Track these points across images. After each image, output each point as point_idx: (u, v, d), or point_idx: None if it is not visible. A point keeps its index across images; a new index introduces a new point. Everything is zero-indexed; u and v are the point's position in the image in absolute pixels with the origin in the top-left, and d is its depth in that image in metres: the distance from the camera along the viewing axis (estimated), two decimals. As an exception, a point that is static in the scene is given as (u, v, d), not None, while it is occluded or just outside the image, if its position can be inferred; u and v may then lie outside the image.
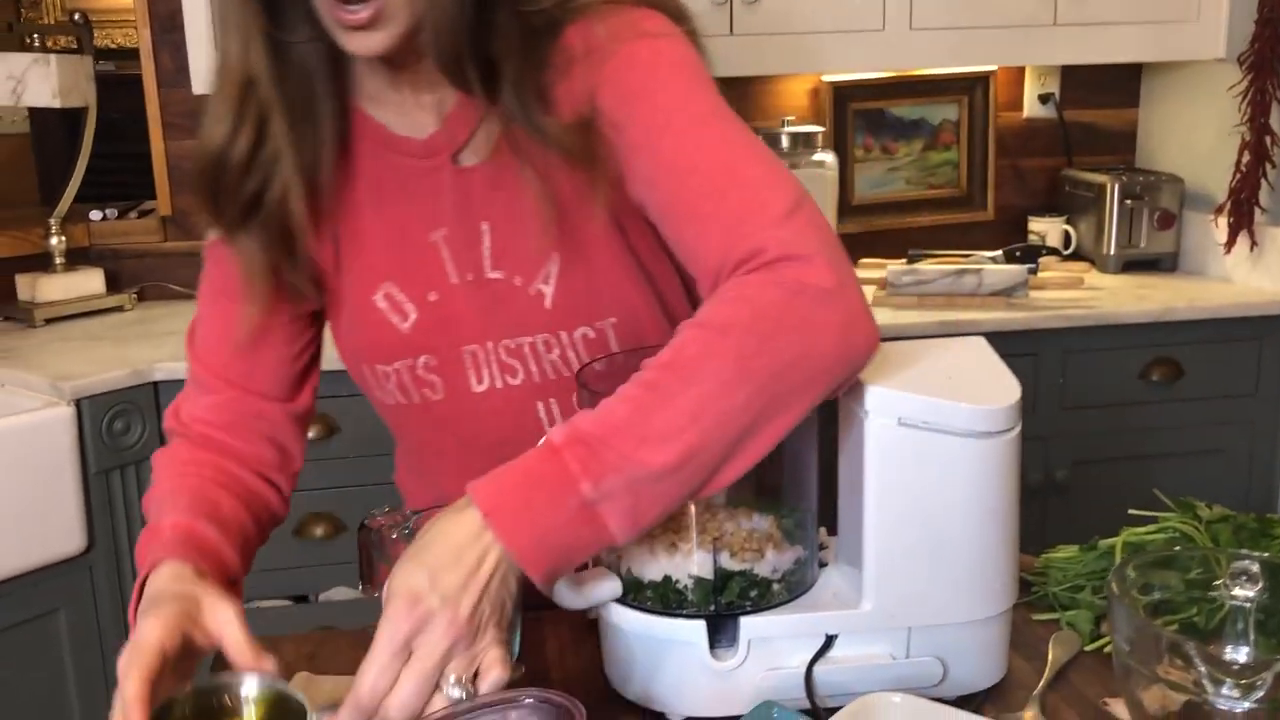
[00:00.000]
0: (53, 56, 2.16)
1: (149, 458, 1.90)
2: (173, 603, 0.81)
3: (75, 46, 2.34)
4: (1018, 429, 0.86)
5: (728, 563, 0.85)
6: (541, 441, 0.79)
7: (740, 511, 0.88)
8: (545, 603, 0.97)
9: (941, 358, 0.90)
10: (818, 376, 0.80)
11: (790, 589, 0.87)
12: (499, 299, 1.00)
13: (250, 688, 0.77)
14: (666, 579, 0.85)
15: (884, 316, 2.17)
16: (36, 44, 2.24)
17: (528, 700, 0.71)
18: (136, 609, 0.85)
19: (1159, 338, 2.25)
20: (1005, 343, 2.20)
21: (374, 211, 1.01)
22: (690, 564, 0.85)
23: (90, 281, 2.34)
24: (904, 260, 2.41)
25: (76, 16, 2.28)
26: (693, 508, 0.86)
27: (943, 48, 2.34)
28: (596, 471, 0.76)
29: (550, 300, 1.00)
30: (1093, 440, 2.25)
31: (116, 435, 1.91)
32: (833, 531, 0.93)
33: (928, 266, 2.31)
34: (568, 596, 0.85)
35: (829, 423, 0.89)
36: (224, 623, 0.81)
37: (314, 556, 2.06)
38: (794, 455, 0.87)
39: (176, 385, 1.94)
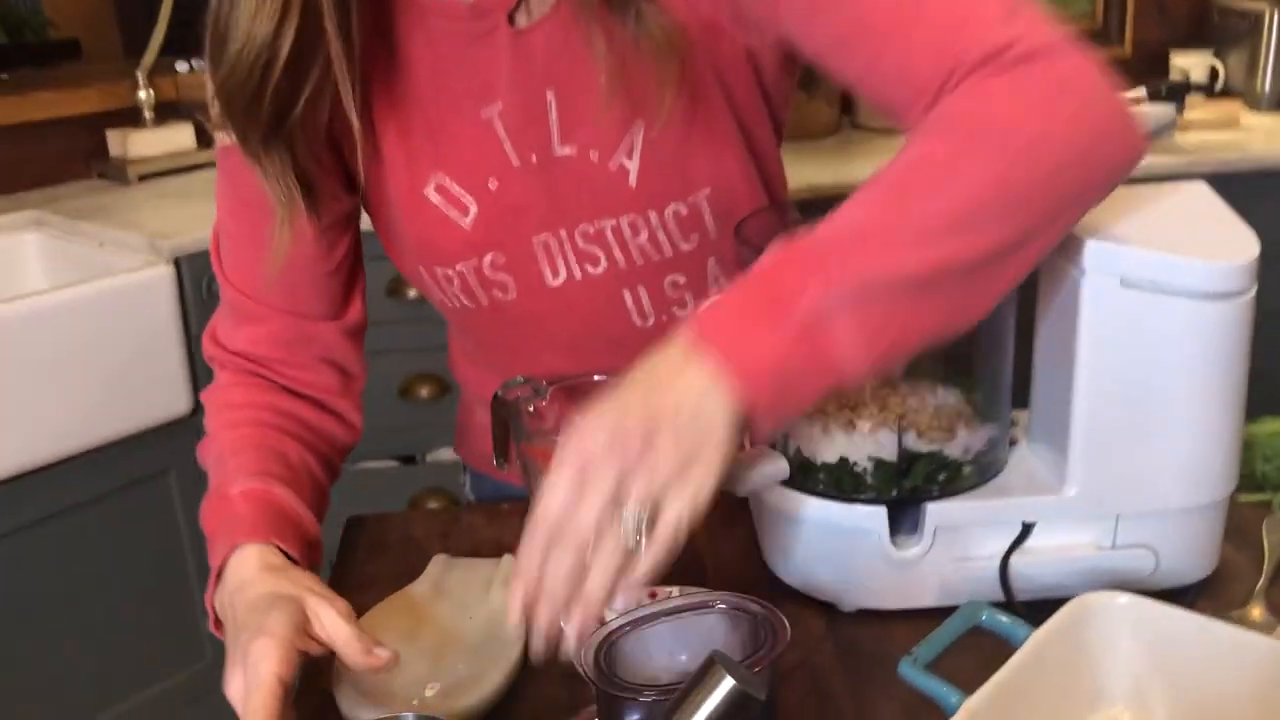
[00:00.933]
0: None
1: None
2: (277, 616, 0.70)
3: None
4: (1253, 292, 0.73)
5: (914, 443, 0.75)
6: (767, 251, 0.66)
7: (923, 385, 0.77)
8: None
9: (1162, 206, 0.78)
10: (1090, 186, 0.67)
11: (981, 471, 0.78)
12: (572, 179, 0.87)
13: None
14: (843, 461, 0.76)
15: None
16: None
17: (719, 605, 0.62)
18: (214, 597, 0.78)
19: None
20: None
21: (415, 92, 0.87)
22: (871, 444, 0.75)
23: (180, 136, 2.26)
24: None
25: None
26: (870, 381, 0.76)
27: None
28: (823, 279, 0.63)
29: (635, 176, 0.86)
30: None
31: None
32: (1018, 405, 0.83)
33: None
34: (726, 479, 0.76)
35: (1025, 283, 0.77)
36: (334, 626, 0.71)
37: (419, 417, 2.01)
38: (989, 317, 0.75)
39: (275, 243, 1.90)
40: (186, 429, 1.86)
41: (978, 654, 0.65)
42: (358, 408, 0.97)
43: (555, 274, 0.90)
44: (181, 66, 2.34)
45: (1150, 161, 2.07)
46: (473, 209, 0.88)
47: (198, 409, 1.85)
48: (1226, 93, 2.36)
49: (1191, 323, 0.72)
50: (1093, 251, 0.71)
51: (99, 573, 1.82)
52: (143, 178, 2.19)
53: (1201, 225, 0.76)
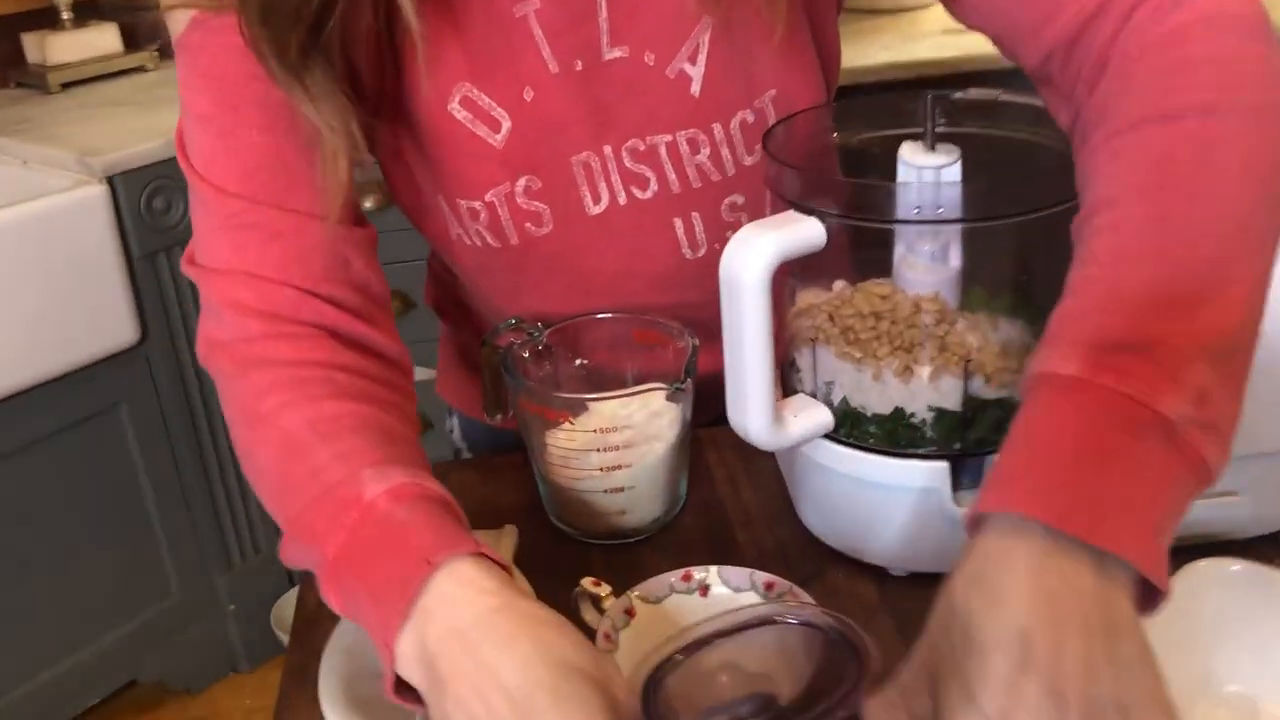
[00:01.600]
0: None
1: None
2: (592, 708, 0.49)
3: None
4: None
5: (980, 389, 0.65)
6: (1030, 379, 0.51)
7: (981, 318, 0.67)
8: (705, 421, 0.80)
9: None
10: None
11: (1051, 416, 0.68)
12: (621, 87, 0.75)
13: None
14: (898, 412, 0.66)
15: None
16: None
17: (787, 619, 0.52)
18: (404, 646, 0.53)
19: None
20: None
21: None
22: (931, 393, 0.66)
23: (104, 38, 2.08)
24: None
25: None
26: (925, 318, 0.66)
27: None
28: (1162, 376, 0.47)
29: (699, 84, 0.75)
30: None
31: (157, 214, 1.72)
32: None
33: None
34: (764, 433, 0.67)
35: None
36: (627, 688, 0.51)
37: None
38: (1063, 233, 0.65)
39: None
40: (135, 359, 1.74)
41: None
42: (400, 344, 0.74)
43: (597, 200, 0.78)
44: (100, -40, 2.15)
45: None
46: (505, 124, 0.75)
47: (146, 338, 1.73)
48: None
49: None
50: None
51: (53, 515, 1.72)
52: (65, 85, 2.02)
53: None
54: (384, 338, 0.70)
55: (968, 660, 0.45)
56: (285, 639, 1.94)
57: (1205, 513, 0.68)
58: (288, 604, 1.99)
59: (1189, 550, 0.62)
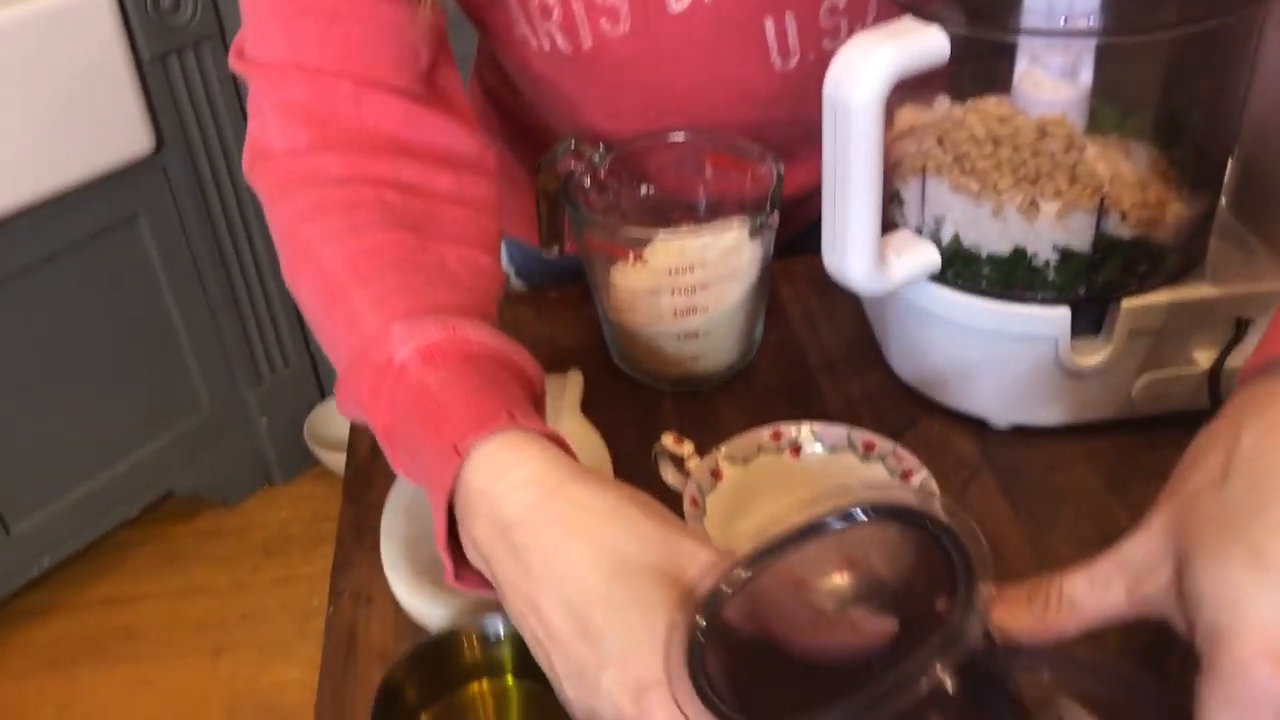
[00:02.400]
0: None
1: (205, 39, 1.65)
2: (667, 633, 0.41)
3: None
4: None
5: (1116, 227, 0.58)
6: None
7: (1114, 141, 0.59)
8: (780, 251, 0.72)
9: None
10: None
11: (1187, 257, 0.61)
12: None
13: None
14: (1018, 252, 0.59)
15: None
16: None
17: (865, 514, 0.40)
18: (454, 556, 0.48)
19: None
20: None
21: None
22: (1059, 231, 0.58)
23: None
24: None
25: None
26: (1051, 144, 0.57)
27: None
28: None
29: None
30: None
31: (165, 13, 1.60)
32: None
33: None
34: (865, 277, 0.59)
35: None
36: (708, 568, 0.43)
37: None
38: (1217, 42, 0.56)
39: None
40: (152, 169, 1.66)
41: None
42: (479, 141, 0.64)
43: None
44: None
45: None
46: None
47: (162, 146, 1.65)
48: None
49: None
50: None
51: (77, 330, 1.68)
52: None
53: None
54: (460, 132, 0.62)
55: (1263, 519, 0.37)
56: (318, 452, 1.93)
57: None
58: (320, 417, 1.97)
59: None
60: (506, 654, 0.52)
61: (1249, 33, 0.56)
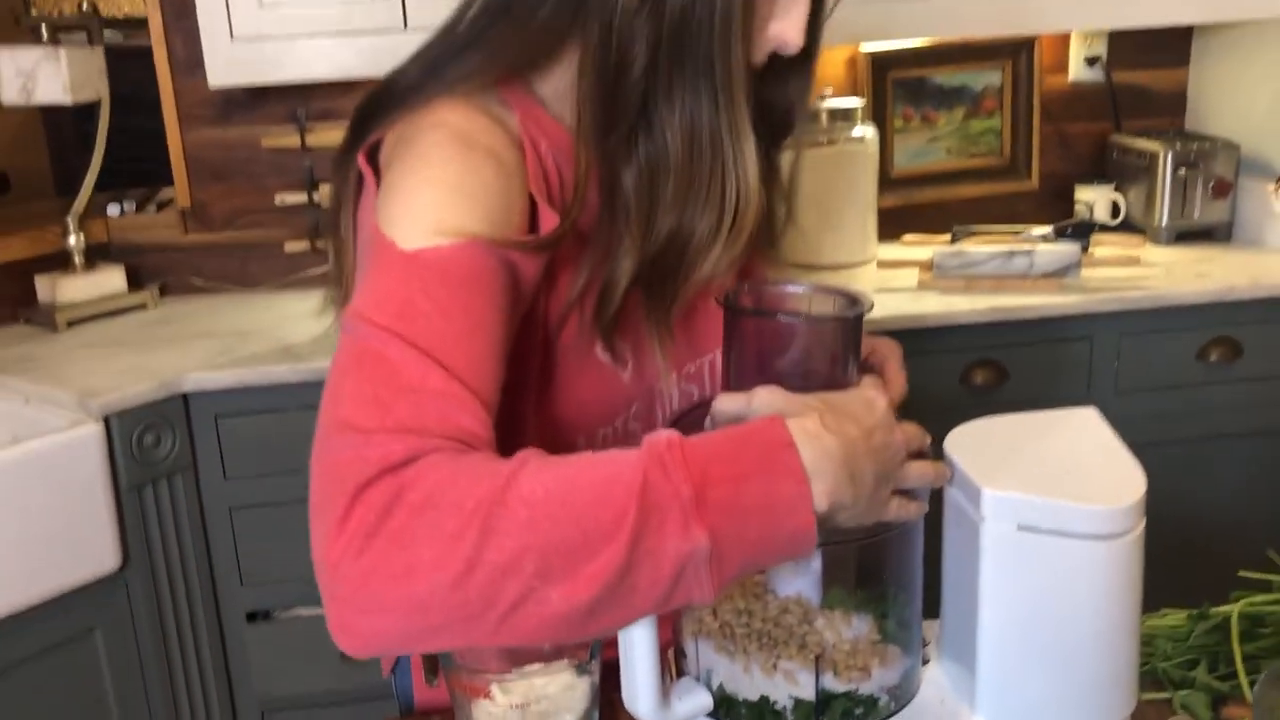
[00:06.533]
0: (62, 50, 2.06)
1: (179, 471, 1.88)
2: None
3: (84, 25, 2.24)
4: (1142, 526, 0.78)
5: (831, 683, 0.78)
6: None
7: (837, 615, 0.81)
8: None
9: (1053, 441, 0.83)
10: None
11: (897, 700, 0.81)
12: (689, 313, 0.85)
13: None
14: (764, 699, 0.79)
15: (931, 303, 2.09)
16: (45, 37, 2.13)
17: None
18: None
19: (1218, 316, 2.16)
20: (1057, 327, 2.12)
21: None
22: (790, 685, 0.78)
23: (111, 280, 2.26)
24: (948, 238, 2.32)
25: (84, 5, 2.18)
26: (790, 617, 0.79)
27: (989, 12, 2.21)
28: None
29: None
30: (1149, 423, 2.17)
31: (147, 450, 1.85)
32: (928, 615, 0.87)
33: (975, 247, 2.22)
34: (651, 714, 0.79)
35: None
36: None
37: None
38: (901, 542, 0.80)
39: (205, 397, 1.90)
40: (114, 586, 1.83)
41: None
42: None
43: (664, 419, 0.86)
44: (113, 210, 2.35)
45: (1056, 300, 2.14)
46: (630, 358, 0.84)
47: (126, 564, 1.83)
48: (1127, 225, 2.48)
49: (1086, 561, 0.77)
50: (990, 501, 0.76)
51: (22, 740, 1.78)
52: (71, 323, 2.18)
53: (1091, 461, 0.82)
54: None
55: None
56: None
57: None
58: (243, 828, 2.02)
59: None
60: None
61: (915, 535, 0.80)
